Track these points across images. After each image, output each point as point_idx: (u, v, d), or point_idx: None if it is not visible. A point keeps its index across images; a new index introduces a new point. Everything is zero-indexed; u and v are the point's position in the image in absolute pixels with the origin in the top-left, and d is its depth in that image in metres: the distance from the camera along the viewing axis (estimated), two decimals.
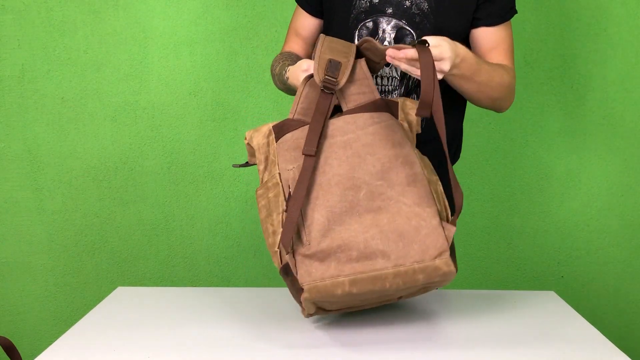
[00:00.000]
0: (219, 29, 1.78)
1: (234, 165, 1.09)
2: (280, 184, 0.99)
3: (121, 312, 1.09)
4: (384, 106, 1.04)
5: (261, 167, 1.05)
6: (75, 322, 1.07)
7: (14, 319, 1.91)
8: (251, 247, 1.89)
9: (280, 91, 1.82)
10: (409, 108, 1.07)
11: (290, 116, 1.05)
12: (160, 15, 1.77)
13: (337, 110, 1.07)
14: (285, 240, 0.92)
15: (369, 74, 1.06)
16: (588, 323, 1.06)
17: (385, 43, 1.17)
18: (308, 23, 1.31)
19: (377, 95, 1.05)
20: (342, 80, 1.02)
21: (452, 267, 0.92)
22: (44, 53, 1.78)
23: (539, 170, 1.87)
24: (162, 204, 1.87)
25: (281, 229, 0.96)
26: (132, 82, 1.80)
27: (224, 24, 1.78)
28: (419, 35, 1.16)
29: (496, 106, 1.20)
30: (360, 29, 1.19)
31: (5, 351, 1.03)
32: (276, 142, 1.04)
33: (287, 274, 0.95)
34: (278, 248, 0.96)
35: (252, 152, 1.09)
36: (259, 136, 1.06)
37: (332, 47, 1.05)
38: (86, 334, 1.00)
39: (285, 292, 1.21)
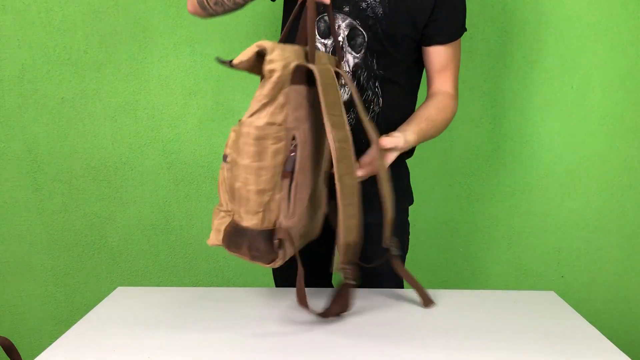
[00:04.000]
0: (219, 29, 1.78)
1: (218, 59, 0.92)
2: (285, 141, 0.91)
3: (121, 312, 1.09)
4: None
5: (265, 100, 0.90)
6: (75, 322, 1.07)
7: (14, 319, 1.91)
8: None
9: None
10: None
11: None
12: (160, 15, 1.77)
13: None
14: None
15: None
16: (588, 323, 1.06)
17: (340, 38, 1.20)
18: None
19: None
20: None
21: None
22: (44, 53, 1.78)
23: (539, 170, 1.87)
24: (162, 204, 1.87)
25: (279, 204, 0.94)
26: (132, 82, 1.80)
27: (224, 24, 1.78)
28: (370, 37, 1.20)
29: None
30: (319, 21, 1.20)
31: (5, 351, 1.03)
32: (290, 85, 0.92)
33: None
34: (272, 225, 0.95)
35: (252, 63, 0.91)
36: (281, 63, 0.89)
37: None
38: (86, 334, 1.00)
39: (285, 292, 1.21)
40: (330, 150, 0.97)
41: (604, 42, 1.80)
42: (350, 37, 1.20)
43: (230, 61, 0.91)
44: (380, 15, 1.18)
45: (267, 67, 0.89)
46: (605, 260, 1.92)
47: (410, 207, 1.42)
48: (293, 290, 1.22)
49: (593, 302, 1.94)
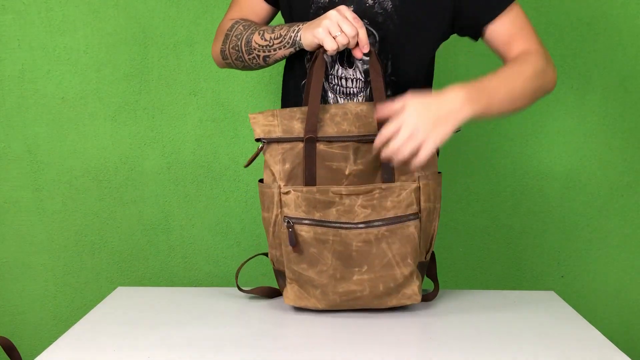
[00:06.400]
0: None
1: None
2: None
3: (121, 312, 1.09)
4: None
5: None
6: (75, 322, 1.07)
7: (14, 319, 1.91)
8: (251, 247, 1.89)
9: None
10: None
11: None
12: (160, 15, 1.77)
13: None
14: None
15: None
16: (588, 323, 1.06)
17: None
18: (260, 8, 1.20)
19: None
20: None
21: None
22: (44, 53, 1.78)
23: (539, 170, 1.87)
24: (162, 204, 1.87)
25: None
26: (132, 82, 1.80)
27: None
28: (382, 37, 1.10)
29: (540, 95, 1.11)
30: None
31: (5, 351, 1.03)
32: None
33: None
34: None
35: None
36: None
37: None
38: (86, 334, 1.00)
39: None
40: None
41: (604, 42, 1.80)
42: None
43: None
44: (390, 9, 1.07)
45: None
46: (605, 260, 1.92)
47: None
48: None
49: (593, 302, 1.94)
